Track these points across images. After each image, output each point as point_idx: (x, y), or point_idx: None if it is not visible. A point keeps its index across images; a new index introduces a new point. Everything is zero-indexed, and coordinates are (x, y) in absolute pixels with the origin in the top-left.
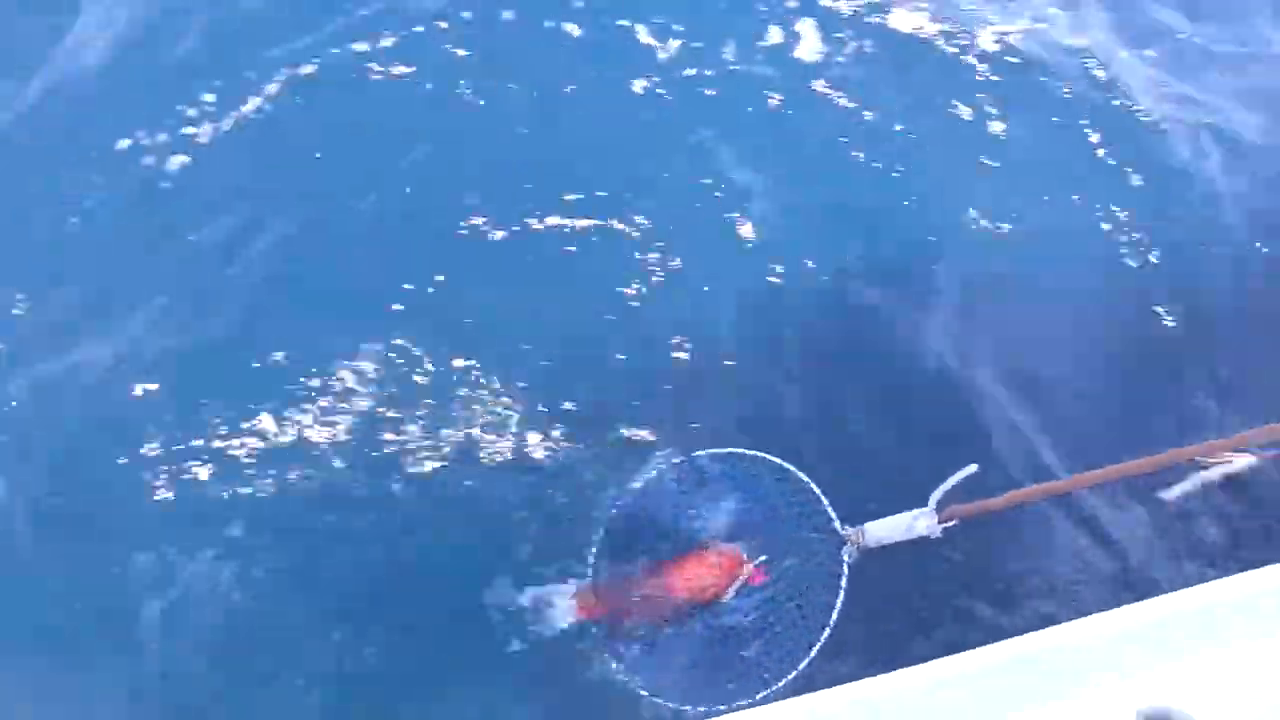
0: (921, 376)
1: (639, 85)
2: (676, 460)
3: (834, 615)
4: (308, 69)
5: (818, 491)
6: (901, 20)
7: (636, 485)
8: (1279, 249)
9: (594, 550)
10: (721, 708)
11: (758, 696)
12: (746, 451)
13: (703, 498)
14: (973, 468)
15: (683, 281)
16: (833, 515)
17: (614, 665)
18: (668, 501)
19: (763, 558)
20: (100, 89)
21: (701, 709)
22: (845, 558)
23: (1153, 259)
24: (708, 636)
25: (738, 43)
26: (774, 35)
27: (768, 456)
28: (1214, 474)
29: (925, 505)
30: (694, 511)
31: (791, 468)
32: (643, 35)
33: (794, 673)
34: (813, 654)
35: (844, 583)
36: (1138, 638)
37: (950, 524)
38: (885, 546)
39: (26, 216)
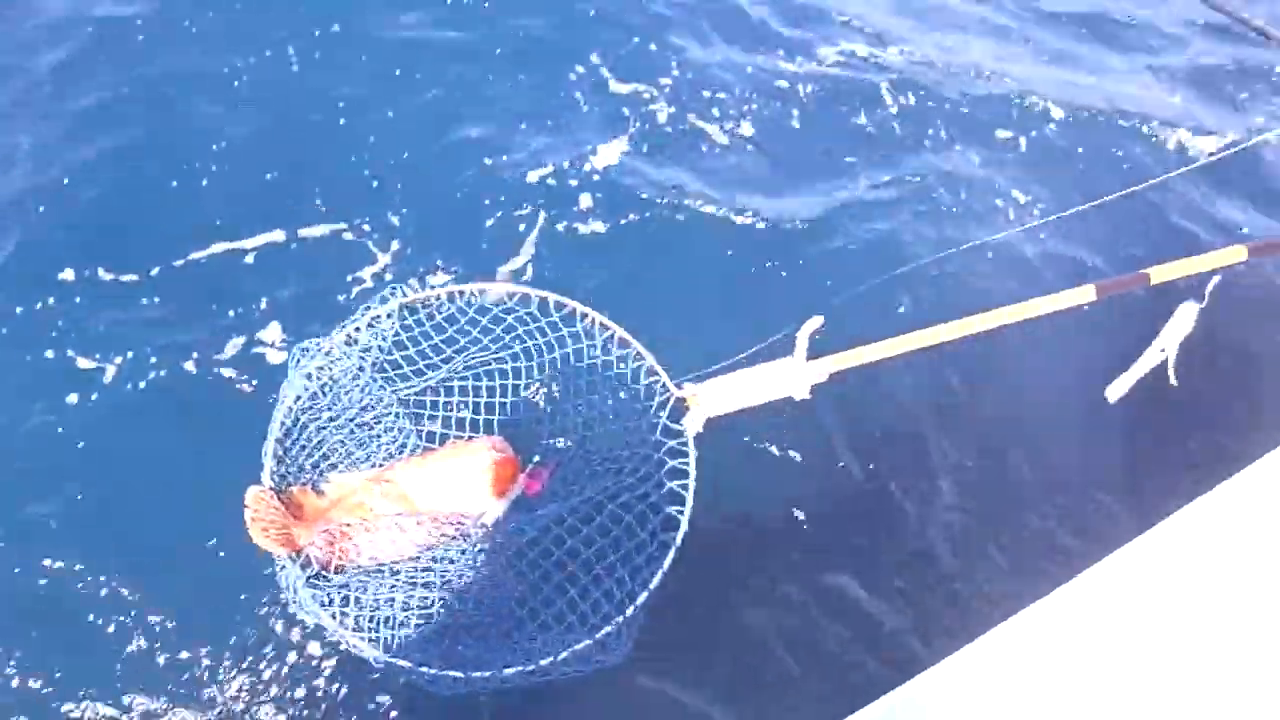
0: None
1: None
2: (393, 299)
3: (682, 524)
4: None
5: (627, 337)
6: None
7: (335, 336)
8: None
9: (271, 443)
10: (507, 671)
11: (561, 656)
12: (512, 288)
13: (440, 360)
14: (817, 320)
15: None
16: (659, 370)
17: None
18: (378, 364)
19: (537, 458)
20: None
21: (475, 675)
22: (686, 430)
23: None
24: (475, 573)
25: None
26: None
27: (545, 295)
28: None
29: (788, 356)
30: (423, 379)
31: (586, 308)
32: None
33: (622, 617)
34: (652, 584)
35: (692, 472)
36: None
37: (820, 381)
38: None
39: None
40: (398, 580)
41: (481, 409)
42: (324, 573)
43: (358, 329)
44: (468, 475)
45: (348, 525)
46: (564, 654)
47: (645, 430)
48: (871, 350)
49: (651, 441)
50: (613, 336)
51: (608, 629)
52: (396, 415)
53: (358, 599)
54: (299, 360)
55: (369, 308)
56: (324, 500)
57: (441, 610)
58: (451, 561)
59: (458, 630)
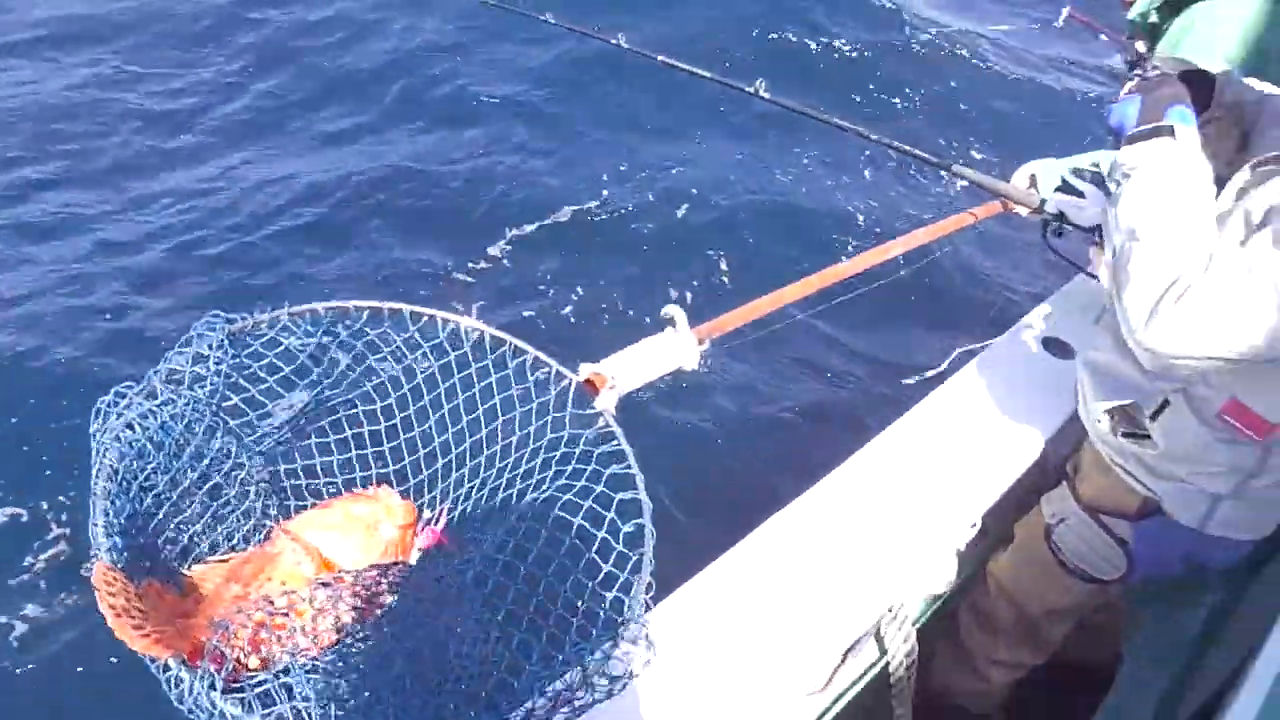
0: None
1: None
2: (217, 327)
3: (643, 503)
4: None
5: (500, 334)
6: None
7: (153, 379)
8: None
9: (99, 519)
10: None
11: (590, 674)
12: (356, 304)
13: (291, 399)
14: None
15: None
16: (547, 360)
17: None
18: (214, 409)
19: (426, 505)
20: None
21: None
22: (603, 411)
23: None
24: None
25: None
26: None
27: (398, 306)
28: None
29: (670, 327)
30: (272, 423)
31: (446, 314)
32: None
33: (634, 614)
34: (647, 573)
35: (628, 449)
36: None
37: (704, 347)
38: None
39: None
40: (345, 655)
41: (351, 453)
42: (237, 677)
43: (178, 367)
44: (376, 531)
45: (258, 609)
46: (592, 662)
47: (554, 428)
48: (744, 312)
49: (567, 437)
50: (484, 338)
51: (628, 630)
52: (250, 474)
53: (297, 690)
54: (104, 414)
55: (189, 341)
56: (188, 597)
57: (417, 673)
58: (393, 622)
59: (445, 693)
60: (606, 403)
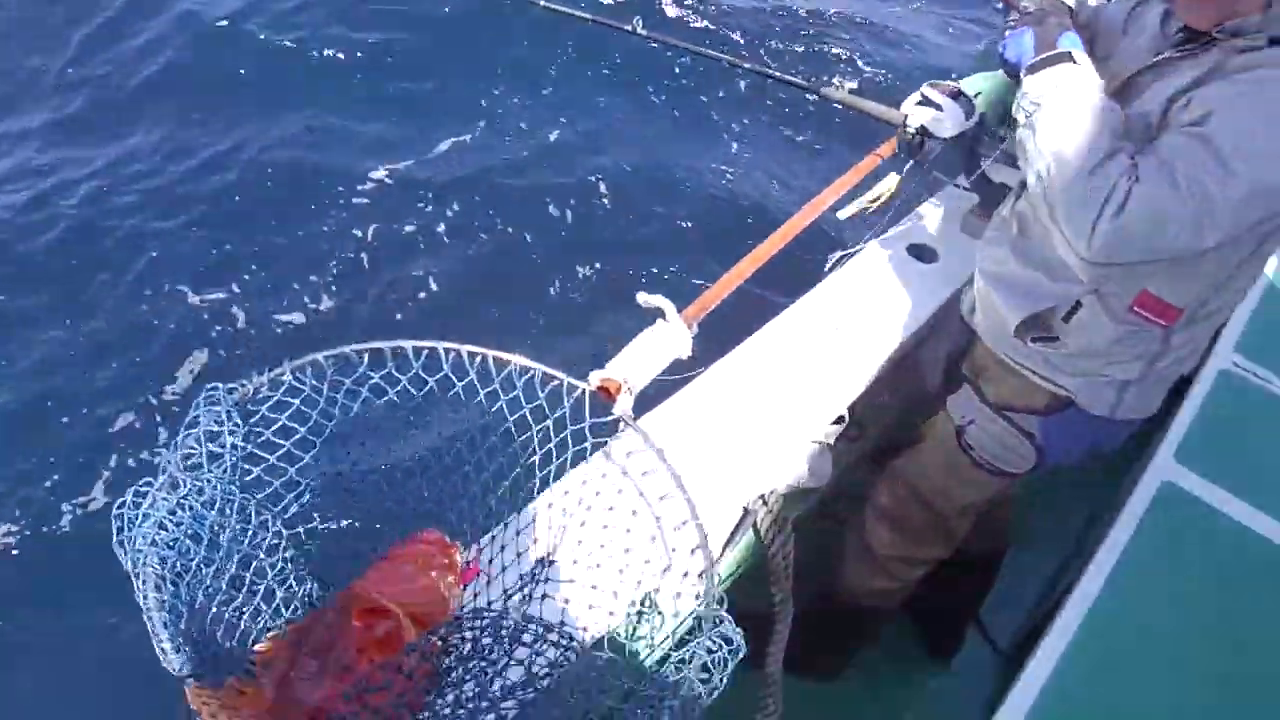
0: None
1: None
2: (218, 399)
3: (681, 496)
4: None
5: (503, 355)
6: None
7: (169, 468)
8: None
9: (161, 633)
10: None
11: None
12: (356, 347)
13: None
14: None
15: None
16: (555, 373)
17: None
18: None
19: (463, 550)
20: None
21: None
22: (623, 416)
23: None
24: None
25: None
26: None
27: (400, 344)
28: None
29: (660, 319)
30: (297, 491)
31: (449, 344)
32: None
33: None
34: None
35: (656, 447)
36: None
37: (693, 332)
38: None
39: None
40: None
41: (371, 502)
42: None
43: (192, 450)
44: (440, 578)
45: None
46: (690, 666)
47: (575, 441)
48: (717, 290)
49: (590, 447)
50: (487, 362)
51: (714, 626)
52: (287, 542)
53: None
54: (130, 517)
55: (196, 418)
56: (263, 682)
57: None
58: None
59: None
60: (624, 407)
